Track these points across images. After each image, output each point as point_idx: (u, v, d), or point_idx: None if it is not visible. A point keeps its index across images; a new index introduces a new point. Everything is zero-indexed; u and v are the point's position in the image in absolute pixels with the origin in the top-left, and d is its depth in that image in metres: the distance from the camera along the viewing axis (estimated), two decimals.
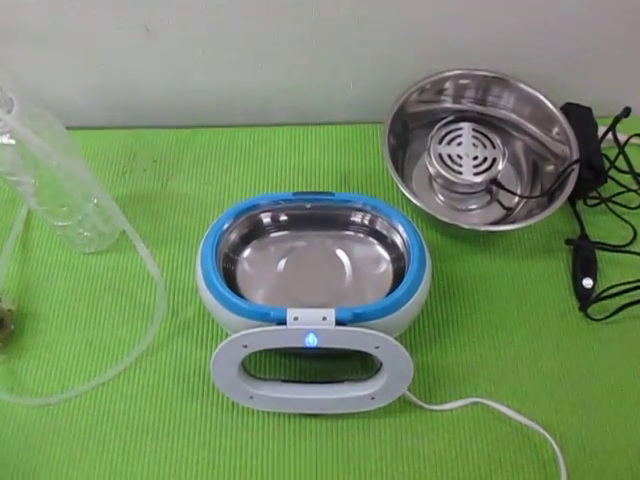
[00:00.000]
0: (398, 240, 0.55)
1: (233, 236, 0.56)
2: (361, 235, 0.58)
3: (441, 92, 0.69)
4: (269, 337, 0.49)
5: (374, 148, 0.72)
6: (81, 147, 0.71)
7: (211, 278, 0.51)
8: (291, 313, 0.48)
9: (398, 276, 0.55)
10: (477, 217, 0.67)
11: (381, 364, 0.52)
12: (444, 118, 0.68)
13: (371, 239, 0.58)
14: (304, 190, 0.62)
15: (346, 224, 0.58)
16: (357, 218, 0.57)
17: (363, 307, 0.49)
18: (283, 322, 0.48)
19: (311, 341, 0.48)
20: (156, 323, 0.60)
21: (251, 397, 0.53)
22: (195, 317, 0.62)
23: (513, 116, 0.69)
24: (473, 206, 0.68)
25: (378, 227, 0.57)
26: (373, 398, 0.53)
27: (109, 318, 0.62)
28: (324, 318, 0.48)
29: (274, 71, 0.71)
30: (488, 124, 0.69)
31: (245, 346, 0.49)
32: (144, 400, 0.57)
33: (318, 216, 0.57)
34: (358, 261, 0.57)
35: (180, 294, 0.63)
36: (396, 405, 0.56)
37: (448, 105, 0.70)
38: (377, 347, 0.49)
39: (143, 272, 0.64)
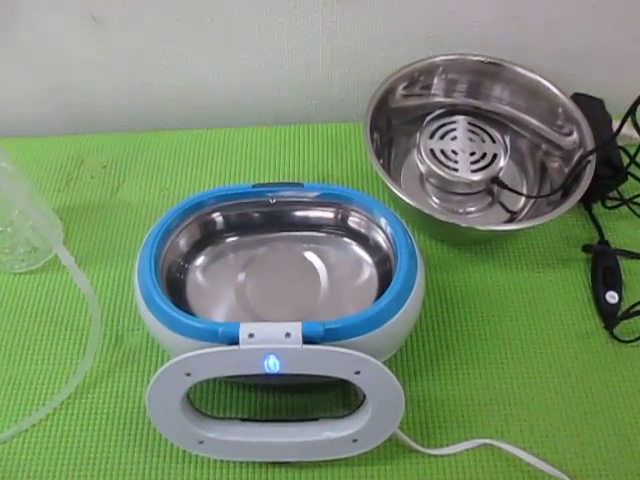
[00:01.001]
0: (380, 238, 0.46)
1: (182, 242, 0.47)
2: (338, 235, 0.49)
3: (429, 82, 0.60)
4: (217, 361, 0.38)
5: (355, 148, 0.64)
6: (21, 156, 0.64)
7: (147, 288, 0.41)
8: (245, 329, 0.38)
9: (385, 283, 0.45)
10: (476, 222, 0.57)
11: (364, 397, 0.41)
12: (433, 112, 0.60)
13: (348, 239, 0.48)
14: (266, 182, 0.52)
15: (319, 223, 0.49)
16: (331, 214, 0.48)
17: (339, 320, 0.39)
18: (235, 341, 0.38)
19: (272, 366, 0.38)
20: (90, 351, 0.49)
21: (201, 442, 0.42)
22: (143, 344, 0.52)
23: (512, 108, 0.60)
24: (472, 209, 0.59)
25: (355, 224, 0.48)
26: (356, 440, 0.42)
27: (39, 350, 0.51)
28: (288, 335, 0.37)
29: (243, 67, 0.64)
30: (485, 119, 0.60)
31: (188, 374, 0.38)
32: (76, 448, 0.47)
33: (285, 214, 0.48)
34: (335, 267, 0.48)
35: (127, 317, 0.53)
36: (385, 449, 0.45)
37: (438, 99, 0.62)
38: (357, 372, 0.38)
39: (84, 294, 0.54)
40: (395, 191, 0.50)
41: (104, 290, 0.54)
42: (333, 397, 0.48)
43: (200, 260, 0.48)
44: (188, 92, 0.66)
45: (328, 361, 0.38)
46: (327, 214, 0.48)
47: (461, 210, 0.59)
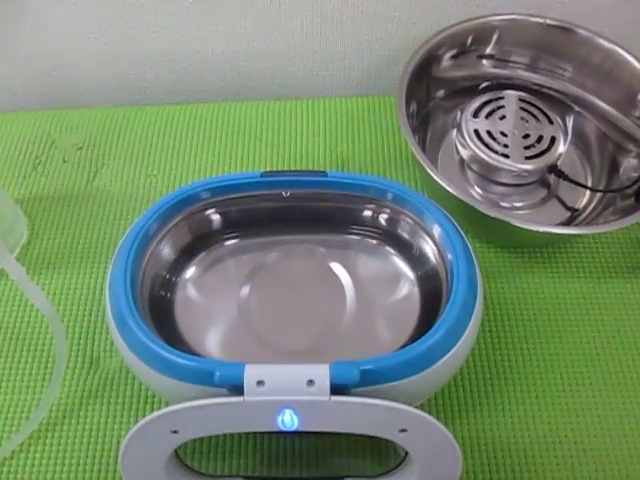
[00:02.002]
0: (429, 248, 0.36)
1: (167, 248, 0.37)
2: (370, 241, 0.39)
3: (480, 47, 0.50)
4: (213, 417, 0.28)
5: (379, 126, 0.54)
6: None
7: (122, 314, 0.31)
8: (252, 373, 0.28)
9: (428, 305, 0.37)
10: (530, 219, 0.48)
11: (406, 454, 0.31)
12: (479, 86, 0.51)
13: (385, 246, 0.39)
14: (278, 169, 0.43)
15: (347, 223, 0.39)
16: (363, 213, 0.38)
17: (378, 360, 0.29)
18: (239, 389, 0.28)
19: (288, 422, 0.28)
20: (56, 378, 0.40)
21: None
22: (123, 369, 0.42)
23: (578, 87, 0.50)
24: (520, 203, 0.49)
25: (396, 228, 0.38)
26: None
27: None
28: (310, 382, 0.28)
29: (246, 30, 0.54)
30: (540, 95, 0.51)
31: (175, 432, 0.28)
32: None
33: (302, 211, 0.39)
34: (365, 281, 0.39)
35: (104, 335, 0.44)
36: None
37: (489, 70, 0.51)
38: (403, 430, 0.28)
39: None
40: (437, 179, 0.40)
41: (76, 301, 0.45)
42: (361, 444, 0.38)
43: (191, 271, 0.39)
44: (180, 60, 0.57)
45: (365, 418, 0.28)
46: (358, 213, 0.39)
47: (508, 204, 0.49)
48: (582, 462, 0.39)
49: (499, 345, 0.43)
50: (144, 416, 0.39)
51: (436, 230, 0.35)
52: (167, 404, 0.40)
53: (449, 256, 0.33)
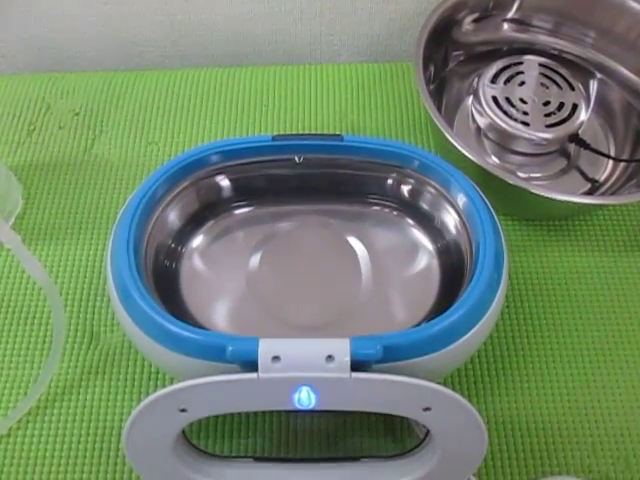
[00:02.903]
0: (451, 219, 0.34)
1: (173, 215, 0.35)
2: (388, 210, 0.37)
3: (502, 8, 0.48)
4: (225, 395, 0.26)
5: (391, 94, 0.52)
6: None
7: (124, 283, 0.29)
8: (267, 348, 0.26)
9: (448, 278, 0.35)
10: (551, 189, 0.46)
11: (428, 433, 0.30)
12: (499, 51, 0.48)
13: (404, 217, 0.37)
14: (291, 132, 0.40)
15: (363, 192, 0.37)
16: (381, 181, 0.36)
17: (401, 334, 0.28)
18: (253, 365, 0.26)
19: (304, 400, 0.26)
20: (54, 354, 0.38)
21: None
22: (125, 344, 0.40)
23: (602, 55, 0.48)
24: (538, 174, 0.47)
25: (416, 197, 0.36)
26: None
27: None
28: (330, 357, 0.26)
29: None
30: (563, 62, 0.48)
31: (183, 410, 0.27)
32: None
33: (316, 178, 0.36)
34: (382, 254, 0.37)
35: (104, 309, 0.42)
36: None
37: (510, 33, 0.49)
38: (427, 409, 0.27)
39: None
40: (457, 145, 0.38)
41: (75, 273, 0.43)
42: (377, 422, 0.36)
43: (198, 240, 0.37)
44: (180, 23, 0.54)
45: (387, 396, 0.26)
46: (376, 180, 0.36)
47: (525, 174, 0.47)
48: (603, 441, 0.37)
49: (517, 320, 0.41)
50: (147, 394, 0.38)
51: (461, 200, 0.33)
52: (172, 381, 0.38)
53: (475, 229, 0.31)
